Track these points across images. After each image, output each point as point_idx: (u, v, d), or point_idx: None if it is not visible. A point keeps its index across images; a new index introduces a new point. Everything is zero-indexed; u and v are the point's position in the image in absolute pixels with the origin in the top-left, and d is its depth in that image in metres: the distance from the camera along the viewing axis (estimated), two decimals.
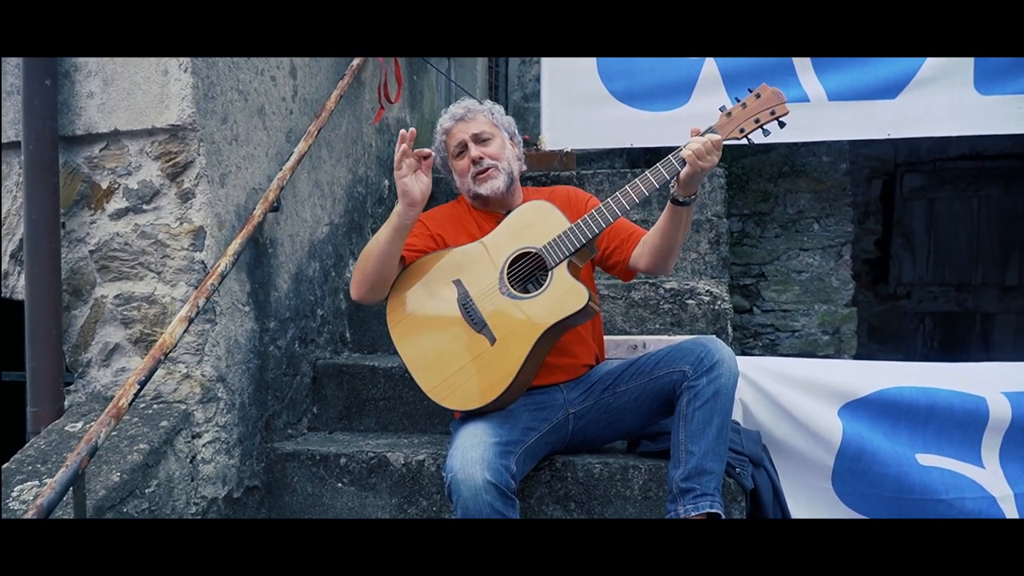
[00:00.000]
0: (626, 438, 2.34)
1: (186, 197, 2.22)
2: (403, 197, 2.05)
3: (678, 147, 2.01)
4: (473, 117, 2.27)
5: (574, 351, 2.25)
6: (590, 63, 3.79)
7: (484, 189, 2.24)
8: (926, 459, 2.66)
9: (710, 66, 3.71)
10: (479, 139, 2.26)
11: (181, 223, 2.23)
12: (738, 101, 2.05)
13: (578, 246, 2.09)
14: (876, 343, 5.61)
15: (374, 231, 3.29)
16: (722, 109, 2.07)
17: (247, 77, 2.41)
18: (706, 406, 2.05)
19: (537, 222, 2.17)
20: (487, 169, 2.24)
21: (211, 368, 2.23)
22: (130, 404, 1.83)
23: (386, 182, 3.52)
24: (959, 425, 2.67)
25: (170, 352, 1.96)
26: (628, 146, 3.83)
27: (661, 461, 2.24)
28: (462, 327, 2.12)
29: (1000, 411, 2.65)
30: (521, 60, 5.92)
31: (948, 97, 3.56)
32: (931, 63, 3.57)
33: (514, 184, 2.30)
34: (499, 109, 2.34)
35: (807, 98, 3.65)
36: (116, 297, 2.28)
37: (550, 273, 2.10)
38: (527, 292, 2.11)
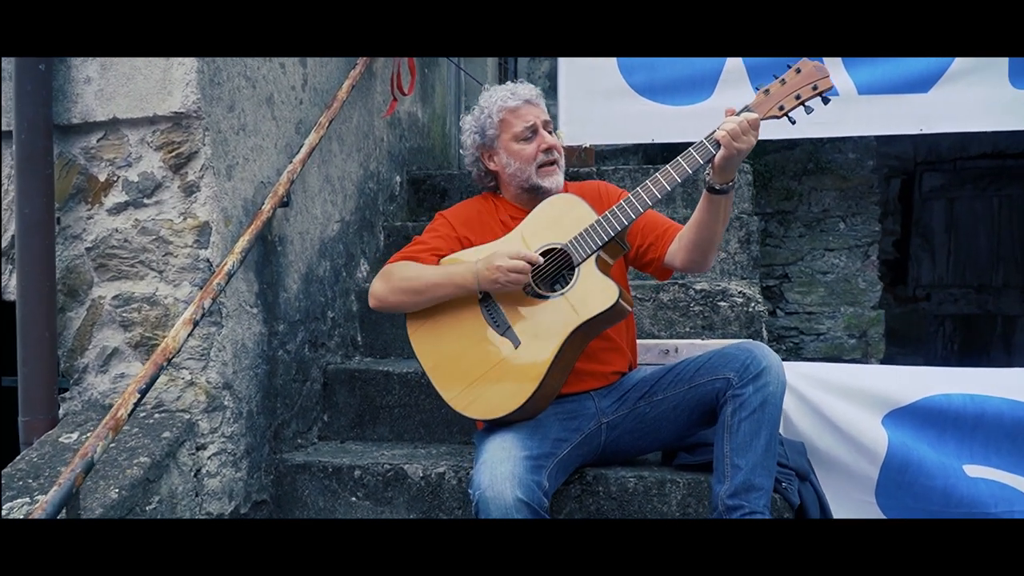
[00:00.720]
0: (662, 450, 2.19)
1: (190, 190, 2.06)
2: (497, 287, 1.94)
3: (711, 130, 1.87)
4: (538, 103, 2.12)
5: (606, 357, 2.10)
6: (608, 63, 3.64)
7: (549, 183, 2.09)
8: (974, 470, 2.52)
9: (734, 59, 3.56)
10: (547, 128, 2.11)
11: (185, 218, 2.07)
12: (776, 78, 1.91)
13: (606, 240, 1.93)
14: (895, 347, 5.46)
15: (385, 229, 3.15)
16: (758, 87, 1.93)
17: (255, 63, 2.25)
18: (753, 416, 1.90)
19: (563, 216, 2.01)
20: (553, 163, 2.10)
21: (217, 374, 2.07)
22: (130, 414, 1.67)
23: (397, 178, 3.37)
24: (1008, 434, 2.52)
25: (173, 357, 1.81)
26: (649, 141, 3.68)
27: (700, 475, 2.09)
28: (485, 330, 1.97)
29: None
30: (530, 57, 5.77)
31: (983, 91, 3.41)
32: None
33: None
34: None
35: (836, 91, 3.47)
36: (115, 298, 2.12)
37: (577, 270, 1.95)
38: (552, 291, 1.96)
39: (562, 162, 2.14)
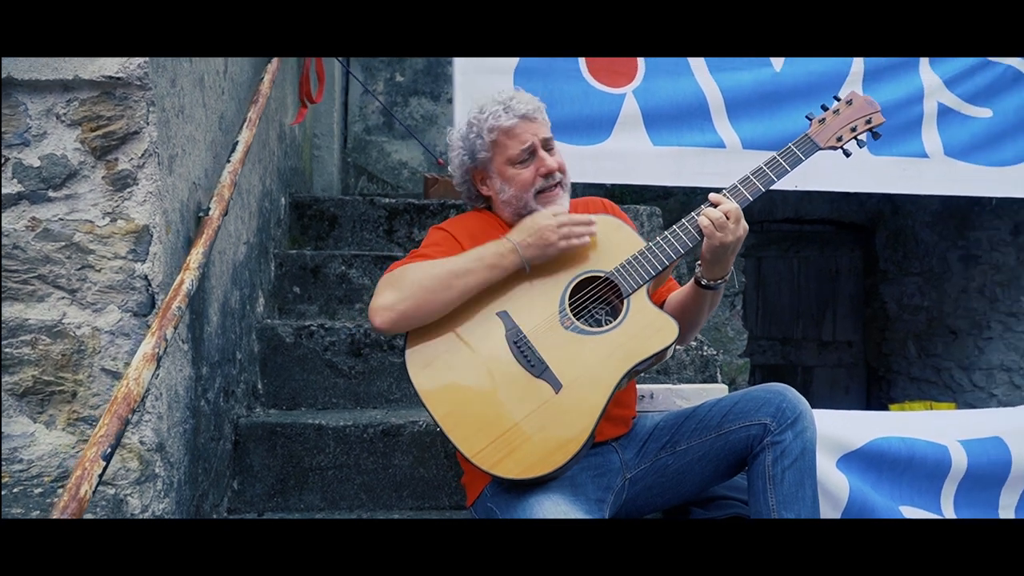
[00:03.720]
0: (678, 505, 1.96)
1: (122, 183, 1.54)
2: (545, 255, 1.65)
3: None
4: (536, 117, 1.81)
5: (627, 399, 1.86)
6: (507, 87, 3.43)
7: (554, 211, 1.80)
8: (908, 512, 2.58)
9: (630, 103, 3.54)
10: (548, 146, 1.81)
11: (113, 220, 1.53)
12: (825, 109, 1.85)
13: (660, 268, 1.72)
14: None
15: (277, 257, 2.67)
16: (810, 116, 1.86)
17: None
18: (796, 465, 1.75)
19: (602, 240, 1.76)
20: (555, 186, 1.80)
21: (151, 432, 1.54)
22: (94, 491, 1.14)
23: (283, 200, 2.90)
24: (928, 475, 2.63)
25: (138, 407, 1.29)
26: None
27: None
28: (515, 371, 1.65)
29: (958, 459, 2.65)
30: (362, 91, 5.44)
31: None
32: None
33: None
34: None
35: (723, 144, 3.59)
36: None
37: (627, 301, 1.70)
38: (594, 325, 1.70)
39: (567, 181, 1.88)
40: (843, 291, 6.02)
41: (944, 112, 3.65)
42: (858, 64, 3.72)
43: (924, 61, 3.69)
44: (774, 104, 3.63)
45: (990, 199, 3.97)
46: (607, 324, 1.70)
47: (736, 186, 1.76)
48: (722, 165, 3.58)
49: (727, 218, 1.67)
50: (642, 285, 1.70)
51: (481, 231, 1.81)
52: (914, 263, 5.28)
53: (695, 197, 4.09)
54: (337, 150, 4.57)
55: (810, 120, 1.84)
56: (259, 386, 2.35)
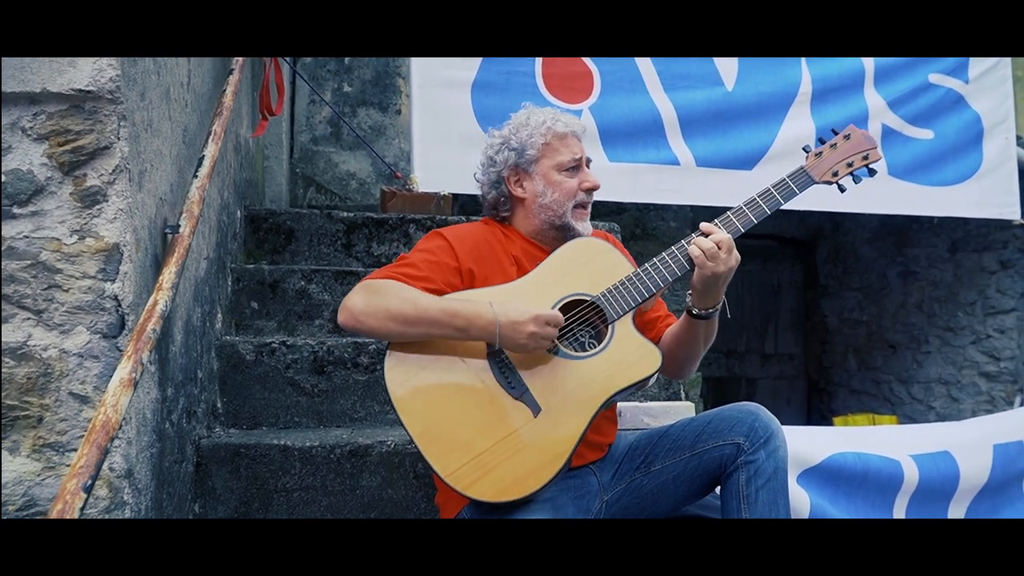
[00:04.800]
0: None
1: (91, 200, 1.48)
2: (528, 344, 1.62)
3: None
4: (582, 138, 1.87)
5: (607, 428, 1.87)
6: (464, 101, 3.46)
7: (582, 227, 1.82)
8: None
9: (587, 120, 3.58)
10: (588, 167, 1.87)
11: (82, 238, 1.47)
12: (823, 142, 1.85)
13: (646, 296, 1.73)
14: None
15: (234, 272, 2.61)
16: (806, 149, 1.86)
17: None
18: (769, 484, 1.77)
19: (590, 263, 1.76)
20: (588, 205, 1.85)
21: (121, 458, 1.47)
22: None
23: (239, 213, 2.82)
24: (882, 489, 2.70)
25: (116, 434, 1.23)
26: None
27: None
28: (495, 393, 1.64)
29: (910, 474, 2.72)
30: (310, 100, 5.37)
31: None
32: (781, 139, 3.78)
33: None
34: None
35: (678, 161, 3.66)
36: None
37: (611, 327, 1.71)
38: (578, 350, 1.70)
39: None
40: (785, 305, 6.17)
41: (888, 133, 3.79)
42: (806, 85, 3.84)
43: (869, 83, 3.83)
44: (726, 123, 3.72)
45: (930, 217, 4.12)
46: (591, 348, 1.71)
47: (728, 216, 1.76)
48: (676, 182, 3.66)
49: (719, 248, 1.69)
50: (628, 312, 1.70)
51: (486, 248, 1.79)
52: (854, 278, 5.44)
53: (647, 213, 4.16)
54: (285, 160, 4.49)
55: (807, 152, 1.84)
56: (218, 405, 2.28)
